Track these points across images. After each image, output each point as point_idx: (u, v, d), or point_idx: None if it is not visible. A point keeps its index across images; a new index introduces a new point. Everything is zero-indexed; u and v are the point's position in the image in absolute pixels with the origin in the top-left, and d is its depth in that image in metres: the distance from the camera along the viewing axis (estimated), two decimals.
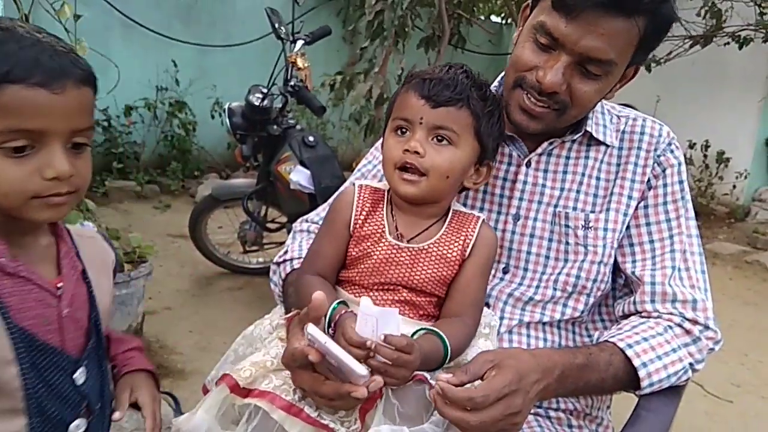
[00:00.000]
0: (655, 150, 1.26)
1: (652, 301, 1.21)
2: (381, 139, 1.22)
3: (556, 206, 1.25)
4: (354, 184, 1.20)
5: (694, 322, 1.19)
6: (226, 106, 3.22)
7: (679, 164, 1.27)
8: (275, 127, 3.17)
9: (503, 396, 0.94)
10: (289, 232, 3.42)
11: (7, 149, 0.80)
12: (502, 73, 1.28)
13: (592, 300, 1.26)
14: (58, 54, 0.83)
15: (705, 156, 6.15)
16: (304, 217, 1.45)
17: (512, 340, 1.24)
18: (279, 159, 3.15)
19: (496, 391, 0.93)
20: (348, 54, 6.62)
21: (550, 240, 1.25)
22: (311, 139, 3.14)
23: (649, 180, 1.25)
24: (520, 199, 1.26)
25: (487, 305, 1.24)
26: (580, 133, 1.25)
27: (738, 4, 4.90)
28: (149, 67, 5.38)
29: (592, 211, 1.24)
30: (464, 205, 1.28)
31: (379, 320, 0.95)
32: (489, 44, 7.03)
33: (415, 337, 1.04)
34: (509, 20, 6.57)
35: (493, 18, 7.12)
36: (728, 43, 5.05)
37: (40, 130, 0.81)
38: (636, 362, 1.12)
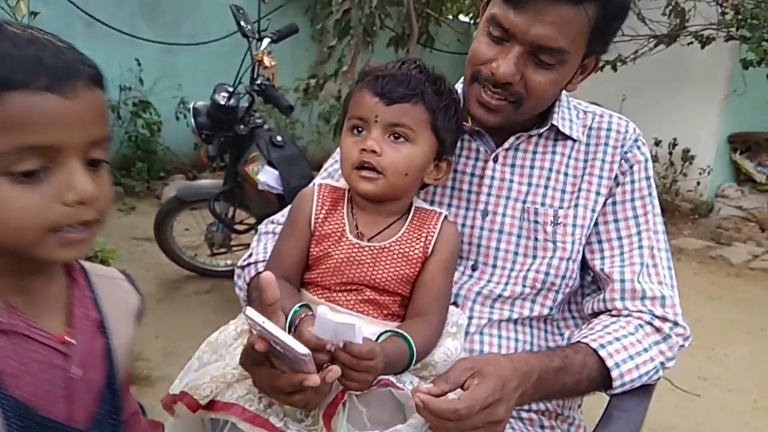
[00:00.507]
0: (622, 146, 1.26)
1: (622, 299, 1.21)
2: None
3: (524, 202, 1.24)
4: (314, 184, 1.20)
5: (664, 319, 1.19)
6: (191, 106, 3.15)
7: (646, 160, 1.27)
8: (242, 126, 3.12)
9: (487, 405, 0.93)
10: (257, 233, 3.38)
11: (15, 174, 0.65)
12: None
13: (560, 297, 1.26)
14: (61, 51, 0.69)
15: (670, 153, 6.25)
16: (270, 218, 1.43)
17: (483, 341, 1.22)
18: (246, 159, 3.09)
19: (480, 401, 0.92)
20: (316, 53, 6.57)
21: (519, 236, 1.24)
22: (279, 138, 3.09)
23: (616, 176, 1.25)
24: (488, 194, 1.25)
25: (456, 304, 1.23)
26: (546, 127, 1.24)
27: (701, 3, 4.99)
28: (112, 66, 5.25)
29: (561, 207, 1.24)
30: (432, 202, 1.27)
31: (337, 329, 0.93)
32: (457, 43, 7.04)
33: (380, 340, 1.02)
34: (477, 20, 6.60)
35: (462, 17, 7.14)
36: (691, 43, 5.13)
37: (53, 145, 0.67)
38: (609, 363, 1.11)
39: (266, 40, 3.15)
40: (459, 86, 1.30)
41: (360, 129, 1.10)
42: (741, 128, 6.36)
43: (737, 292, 4.64)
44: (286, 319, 1.01)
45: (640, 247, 1.24)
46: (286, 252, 1.16)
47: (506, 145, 1.25)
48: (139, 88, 5.42)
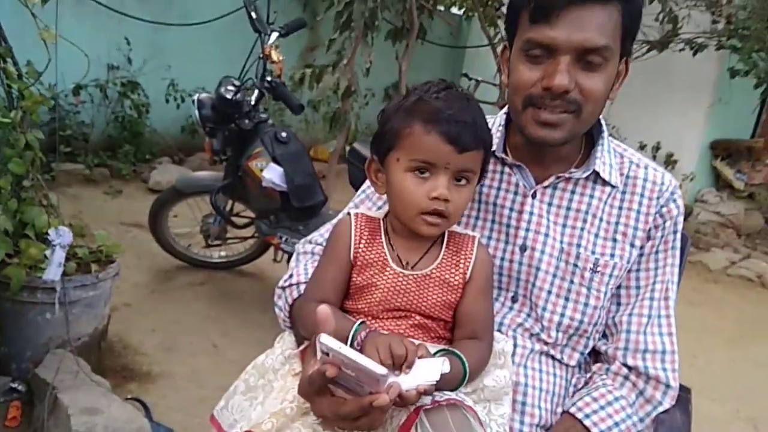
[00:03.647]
0: (658, 198, 1.27)
1: (625, 350, 1.27)
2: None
3: (561, 242, 1.25)
4: (350, 213, 1.20)
5: (657, 381, 1.24)
6: (195, 97, 3.09)
7: (679, 214, 1.29)
8: (246, 121, 3.07)
9: None
10: (256, 228, 3.35)
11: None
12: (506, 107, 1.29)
13: (591, 343, 1.30)
14: None
15: (654, 157, 6.36)
16: (307, 238, 1.42)
17: (527, 375, 1.24)
18: (250, 154, 3.06)
19: None
20: (307, 39, 6.49)
21: (554, 275, 1.25)
22: (284, 135, 3.06)
23: (650, 230, 1.27)
24: (527, 230, 1.26)
25: (500, 332, 1.25)
26: (589, 172, 1.25)
27: (694, 11, 5.05)
28: (100, 43, 5.11)
29: (602, 255, 1.25)
30: None
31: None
32: (449, 37, 7.03)
33: (436, 356, 1.05)
34: (470, 14, 6.57)
35: (454, 10, 7.11)
36: (683, 49, 5.20)
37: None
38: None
39: (274, 35, 3.10)
40: (501, 116, 1.31)
41: (425, 171, 1.09)
42: (723, 136, 6.50)
43: (715, 299, 4.77)
44: (348, 336, 1.05)
45: (652, 298, 1.27)
46: (327, 279, 1.17)
47: (546, 182, 1.26)
48: (127, 67, 5.30)
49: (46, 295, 2.20)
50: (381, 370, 0.90)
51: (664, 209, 1.27)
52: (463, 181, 1.10)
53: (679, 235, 1.30)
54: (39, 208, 2.32)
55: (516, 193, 1.27)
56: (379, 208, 1.30)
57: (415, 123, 1.09)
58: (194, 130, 5.75)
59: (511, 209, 1.27)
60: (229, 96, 2.95)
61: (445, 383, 1.02)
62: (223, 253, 3.72)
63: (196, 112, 3.05)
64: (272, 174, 2.93)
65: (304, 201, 3.01)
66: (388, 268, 1.13)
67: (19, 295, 2.18)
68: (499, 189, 1.28)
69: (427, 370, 0.96)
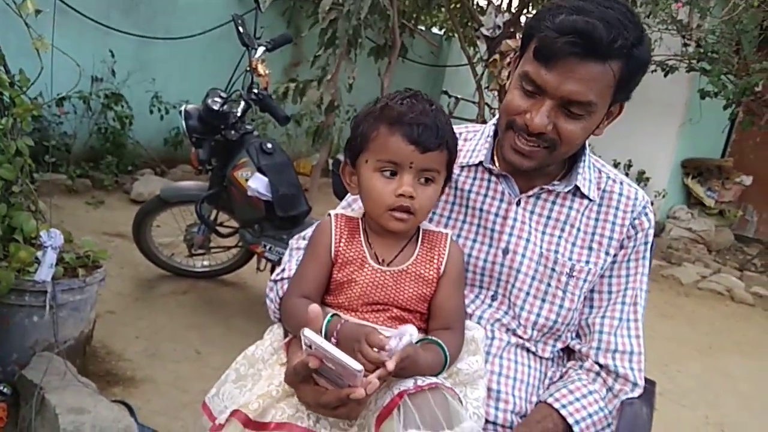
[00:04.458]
0: (632, 212, 1.37)
1: (597, 349, 1.35)
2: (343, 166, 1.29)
3: (541, 247, 1.35)
4: (330, 214, 1.29)
5: (625, 379, 1.33)
6: (182, 108, 3.15)
7: (650, 227, 1.39)
8: (233, 132, 3.14)
9: None
10: (241, 237, 3.40)
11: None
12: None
13: (560, 345, 1.39)
14: None
15: (627, 174, 6.53)
16: (300, 234, 1.49)
17: (502, 365, 1.32)
18: (235, 164, 3.12)
19: None
20: (291, 54, 6.59)
21: (533, 278, 1.34)
22: (269, 146, 3.13)
23: (623, 240, 1.37)
24: (510, 234, 1.35)
25: (478, 324, 1.33)
26: (571, 186, 1.35)
27: (665, 35, 5.24)
28: (85, 55, 5.13)
29: (578, 261, 1.35)
30: (458, 236, 1.37)
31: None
32: (430, 56, 7.17)
33: (418, 345, 1.13)
34: (451, 34, 6.73)
35: (435, 30, 7.27)
36: (655, 71, 5.38)
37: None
38: (573, 425, 1.27)
39: (261, 49, 3.18)
40: (490, 127, 1.40)
41: (392, 172, 1.18)
42: (694, 154, 6.70)
43: (687, 311, 4.91)
44: (322, 328, 1.11)
45: (623, 303, 1.37)
46: (309, 275, 1.25)
47: (530, 192, 1.36)
48: (111, 80, 5.33)
49: (34, 298, 2.23)
50: (357, 366, 0.98)
51: (637, 221, 1.37)
52: (428, 181, 1.19)
53: (650, 246, 1.41)
54: (27, 213, 2.36)
55: (501, 201, 1.37)
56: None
57: (381, 126, 1.18)
58: (177, 142, 5.80)
59: (497, 215, 1.36)
60: (215, 107, 3.02)
61: (427, 369, 1.10)
62: (206, 263, 3.76)
63: (183, 122, 3.11)
64: (257, 183, 2.99)
65: (289, 210, 3.08)
66: (366, 265, 1.21)
67: (7, 298, 2.21)
68: (486, 196, 1.38)
69: (403, 332, 1.06)
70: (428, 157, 1.16)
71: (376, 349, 1.03)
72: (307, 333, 1.01)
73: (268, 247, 3.19)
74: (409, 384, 1.07)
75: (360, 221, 1.27)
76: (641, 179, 6.48)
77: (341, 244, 1.23)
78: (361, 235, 1.25)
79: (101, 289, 2.54)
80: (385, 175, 1.18)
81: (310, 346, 1.02)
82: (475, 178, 1.39)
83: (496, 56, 4.57)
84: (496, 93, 4.79)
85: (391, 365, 1.01)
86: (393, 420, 1.04)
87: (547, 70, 1.17)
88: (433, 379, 1.09)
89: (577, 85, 1.16)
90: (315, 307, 1.08)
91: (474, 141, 1.42)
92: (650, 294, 4.91)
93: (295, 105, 4.47)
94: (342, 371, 1.00)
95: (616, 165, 6.35)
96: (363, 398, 1.00)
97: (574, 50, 1.14)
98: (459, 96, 6.52)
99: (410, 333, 1.07)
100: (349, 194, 1.47)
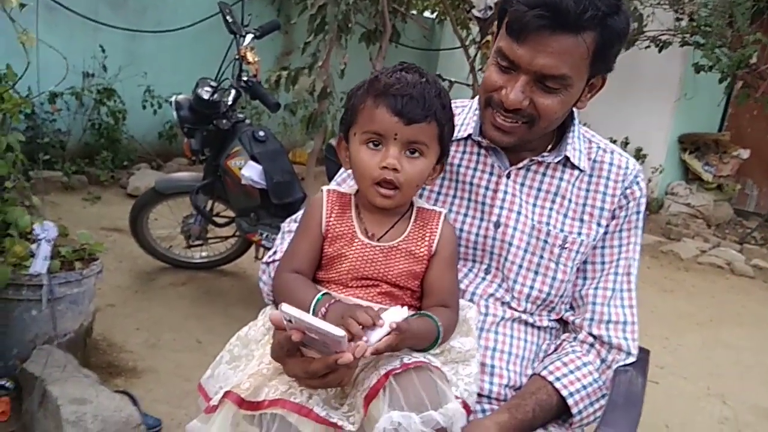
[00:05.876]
0: (623, 181, 1.37)
1: (591, 320, 1.36)
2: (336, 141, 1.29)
3: (533, 220, 1.34)
4: (322, 190, 1.29)
5: (619, 349, 1.34)
6: (173, 99, 3.15)
7: (641, 196, 1.39)
8: (224, 121, 3.14)
9: None
10: (237, 226, 3.41)
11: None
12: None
13: (554, 315, 1.39)
14: None
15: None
16: (292, 217, 1.49)
17: (497, 340, 1.33)
18: (228, 153, 3.12)
19: None
20: (282, 43, 6.56)
21: (525, 251, 1.34)
22: (261, 134, 3.13)
23: (614, 210, 1.37)
24: (501, 207, 1.35)
25: (471, 302, 1.33)
26: (560, 157, 1.35)
27: (658, 9, 5.21)
28: (75, 52, 5.12)
29: (570, 232, 1.35)
30: (450, 211, 1.36)
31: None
32: (422, 40, 7.13)
33: (409, 318, 1.12)
34: (443, 17, 6.68)
35: (427, 14, 7.22)
36: (649, 47, 5.36)
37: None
38: (567, 397, 1.28)
39: (249, 36, 3.17)
40: (477, 101, 1.40)
41: (377, 143, 1.17)
42: (691, 129, 6.68)
43: (687, 285, 4.92)
44: (312, 307, 1.13)
45: (616, 273, 1.37)
46: (300, 251, 1.25)
47: (520, 164, 1.35)
48: (103, 75, 5.31)
49: (32, 292, 2.24)
50: (339, 332, 0.98)
51: (628, 191, 1.37)
52: (416, 154, 1.18)
53: (642, 216, 1.40)
54: (22, 208, 2.36)
55: (491, 174, 1.36)
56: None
57: (368, 98, 1.18)
58: (172, 135, 5.78)
59: (487, 188, 1.36)
60: (206, 96, 3.01)
61: (420, 341, 1.11)
62: (204, 254, 3.76)
63: (174, 113, 3.10)
64: (251, 172, 2.99)
65: (284, 198, 3.08)
66: (356, 240, 1.21)
67: (5, 293, 2.22)
68: (475, 169, 1.37)
69: (393, 315, 1.06)
70: (414, 129, 1.15)
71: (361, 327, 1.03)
72: (285, 308, 1.01)
73: (264, 236, 3.19)
74: (395, 363, 1.06)
75: (352, 197, 1.27)
76: (638, 156, 6.44)
77: (332, 219, 1.23)
78: (352, 211, 1.25)
79: (99, 281, 2.55)
80: (371, 147, 1.18)
81: (290, 321, 1.02)
82: (464, 152, 1.38)
83: (489, 37, 4.55)
84: None
85: (383, 331, 1.02)
86: (379, 400, 1.04)
87: (519, 45, 1.17)
88: (421, 357, 1.08)
89: (549, 59, 1.16)
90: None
91: (462, 115, 1.41)
92: (650, 269, 4.95)
93: (288, 93, 4.46)
94: (326, 340, 1.00)
95: (612, 142, 6.33)
96: (352, 362, 1.00)
97: (543, 23, 1.13)
98: (453, 79, 6.49)
99: (400, 313, 1.08)
100: (342, 170, 1.46)
